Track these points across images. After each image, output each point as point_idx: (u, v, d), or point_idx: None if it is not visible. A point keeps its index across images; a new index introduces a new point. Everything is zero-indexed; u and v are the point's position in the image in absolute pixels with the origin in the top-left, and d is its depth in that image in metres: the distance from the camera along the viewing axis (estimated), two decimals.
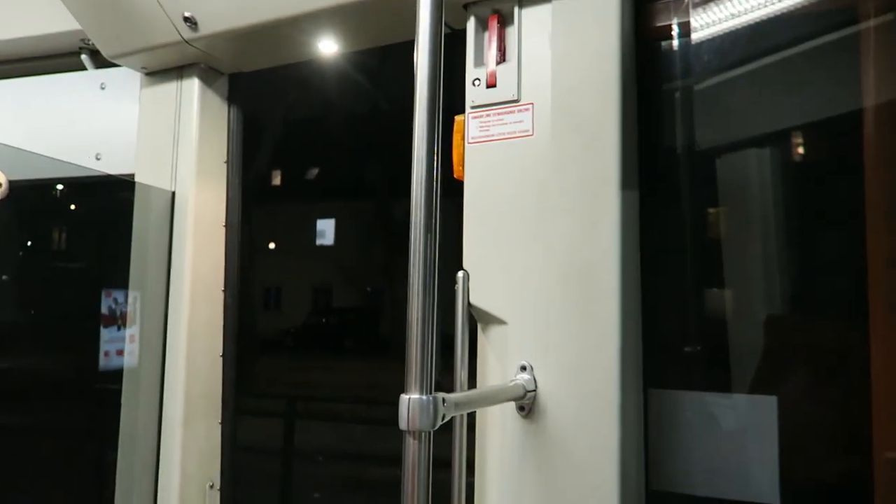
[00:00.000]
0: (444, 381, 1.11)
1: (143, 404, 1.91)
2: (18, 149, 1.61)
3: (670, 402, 1.38)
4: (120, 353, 1.98)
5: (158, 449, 1.89)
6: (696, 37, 1.44)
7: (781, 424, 1.28)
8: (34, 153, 1.73)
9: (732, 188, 1.42)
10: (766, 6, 1.39)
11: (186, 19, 1.73)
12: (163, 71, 1.99)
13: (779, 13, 1.38)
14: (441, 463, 1.03)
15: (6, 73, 2.31)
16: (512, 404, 1.34)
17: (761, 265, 1.38)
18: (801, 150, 1.40)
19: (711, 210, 1.45)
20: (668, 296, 1.42)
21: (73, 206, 2.39)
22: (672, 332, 1.42)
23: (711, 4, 1.44)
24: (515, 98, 1.41)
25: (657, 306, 1.39)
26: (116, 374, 1.94)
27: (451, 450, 1.29)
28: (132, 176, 1.98)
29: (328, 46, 1.78)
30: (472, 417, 1.43)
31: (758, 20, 1.40)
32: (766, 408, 1.30)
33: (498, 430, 1.39)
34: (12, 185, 1.49)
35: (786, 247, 1.37)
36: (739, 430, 1.34)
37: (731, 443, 1.34)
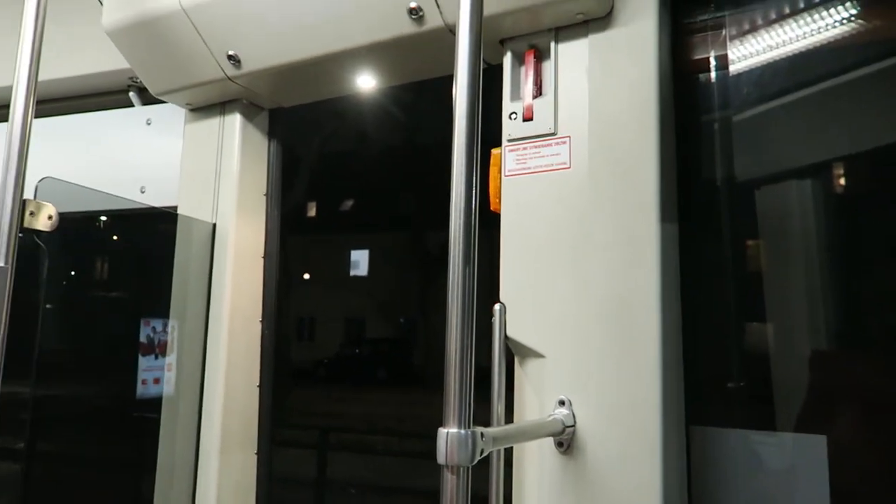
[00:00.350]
0: (479, 414, 1.10)
1: (180, 433, 1.93)
2: (68, 182, 1.66)
3: (713, 440, 1.34)
4: (157, 381, 2.00)
5: (195, 479, 1.90)
6: (733, 69, 1.43)
7: (832, 465, 1.23)
8: (83, 186, 1.78)
9: (774, 220, 1.40)
10: (804, 38, 1.38)
11: (230, 57, 1.78)
12: (206, 107, 2.05)
13: (818, 44, 1.37)
14: (478, 498, 1.02)
15: (58, 111, 2.41)
16: (550, 440, 1.32)
17: (805, 299, 1.35)
18: (843, 181, 1.38)
19: (752, 243, 1.43)
20: (710, 330, 1.40)
21: (116, 238, 2.45)
22: (714, 367, 1.39)
23: (749, 37, 1.43)
24: (552, 131, 1.42)
25: (698, 341, 1.36)
26: (153, 402, 1.96)
27: (487, 485, 1.27)
28: (175, 208, 2.03)
29: (366, 82, 1.82)
30: (508, 452, 1.41)
31: (796, 52, 1.39)
32: (814, 447, 1.25)
33: (536, 465, 1.36)
34: (62, 216, 1.53)
35: (830, 280, 1.34)
36: (786, 470, 1.30)
37: (778, 483, 1.29)
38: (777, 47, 1.41)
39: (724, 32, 1.44)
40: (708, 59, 1.44)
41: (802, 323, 1.35)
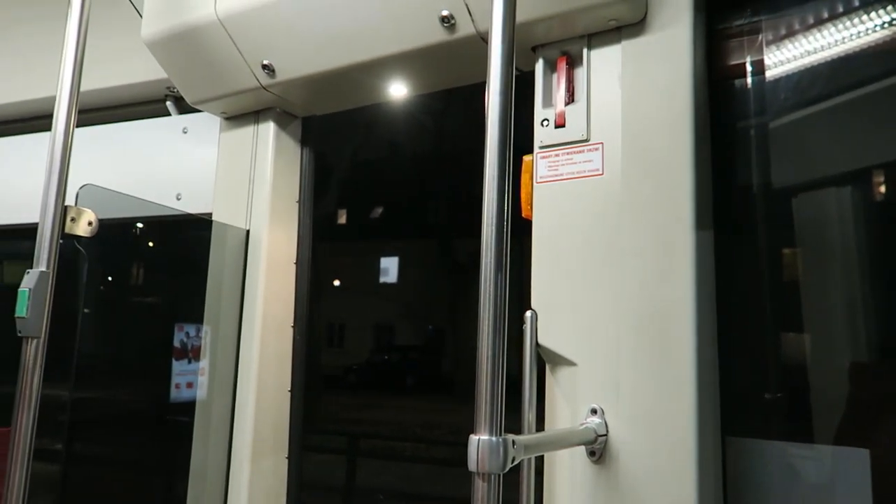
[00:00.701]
0: (509, 422, 1.09)
1: (213, 437, 1.96)
2: (108, 189, 1.71)
3: (750, 451, 1.32)
4: (190, 385, 2.03)
5: (227, 482, 1.92)
6: (770, 74, 1.41)
7: (875, 480, 1.20)
8: (121, 193, 1.82)
9: (812, 228, 1.37)
10: (843, 42, 1.36)
11: (265, 67, 1.81)
12: (241, 115, 2.08)
13: (857, 49, 1.34)
14: None
15: (99, 120, 2.47)
16: (582, 449, 1.31)
17: (845, 309, 1.32)
18: (883, 188, 1.35)
19: (790, 251, 1.40)
20: (746, 340, 1.37)
21: (152, 244, 2.50)
22: (751, 377, 1.37)
23: (786, 41, 1.41)
24: (585, 138, 1.41)
25: (735, 350, 1.34)
26: (186, 406, 1.99)
27: (517, 494, 1.26)
28: (210, 215, 2.07)
29: (398, 90, 1.83)
30: (539, 461, 1.40)
31: (835, 56, 1.37)
32: (857, 461, 1.22)
33: (567, 474, 1.35)
34: (100, 223, 1.57)
35: (870, 289, 1.30)
36: (826, 484, 1.27)
37: (818, 498, 1.26)
38: (815, 52, 1.39)
39: (760, 37, 1.42)
40: (744, 64, 1.42)
41: (842, 333, 1.32)
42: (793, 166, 1.40)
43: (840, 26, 1.36)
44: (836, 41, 1.37)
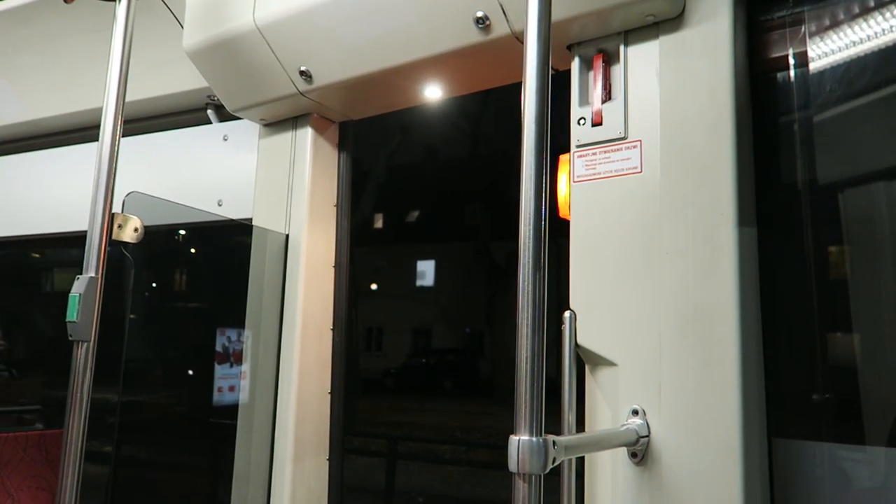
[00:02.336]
0: (548, 425, 1.08)
1: (255, 440, 1.99)
2: (153, 196, 1.75)
3: (798, 453, 1.28)
4: (232, 389, 2.07)
5: (270, 484, 1.95)
6: (814, 67, 1.38)
7: None
8: (166, 200, 1.87)
9: (859, 224, 1.33)
10: (889, 32, 1.32)
11: (302, 73, 1.84)
12: (279, 122, 2.12)
13: None
14: None
15: (143, 130, 2.54)
16: (623, 450, 1.29)
17: (894, 306, 1.28)
18: None
19: (836, 248, 1.36)
20: (793, 339, 1.34)
21: (194, 249, 2.56)
22: (798, 377, 1.33)
23: (830, 32, 1.37)
24: (622, 136, 1.39)
25: (781, 350, 1.31)
26: (228, 410, 2.02)
27: (558, 496, 1.25)
28: (250, 220, 2.10)
29: (434, 92, 1.84)
30: (580, 462, 1.39)
31: (881, 46, 1.33)
32: None
33: (609, 476, 1.34)
34: (146, 229, 1.61)
35: None
36: (878, 487, 1.23)
37: (869, 501, 1.22)
38: (860, 42, 1.35)
39: (803, 29, 1.38)
40: (786, 57, 1.39)
41: (893, 331, 1.28)
42: (839, 161, 1.36)
43: (887, 14, 1.32)
44: (883, 30, 1.33)
